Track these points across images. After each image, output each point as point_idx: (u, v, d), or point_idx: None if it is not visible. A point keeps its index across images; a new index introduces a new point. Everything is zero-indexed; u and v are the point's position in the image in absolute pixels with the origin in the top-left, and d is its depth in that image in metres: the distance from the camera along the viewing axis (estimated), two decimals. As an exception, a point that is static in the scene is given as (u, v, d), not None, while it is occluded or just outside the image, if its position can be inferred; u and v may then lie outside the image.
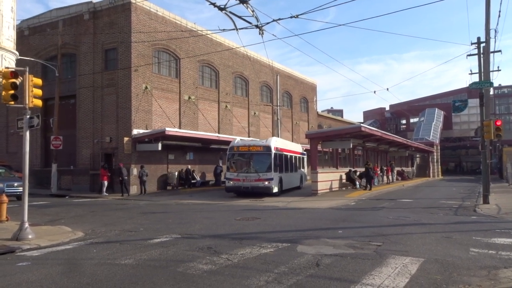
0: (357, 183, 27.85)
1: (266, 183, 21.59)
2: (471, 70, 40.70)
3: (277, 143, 23.49)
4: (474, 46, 20.78)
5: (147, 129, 26.15)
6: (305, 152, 31.37)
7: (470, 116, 72.69)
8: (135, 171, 25.25)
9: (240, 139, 24.71)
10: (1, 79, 10.26)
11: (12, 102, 10.16)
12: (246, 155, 22.40)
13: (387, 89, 30.32)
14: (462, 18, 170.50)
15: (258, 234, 10.50)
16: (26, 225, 10.02)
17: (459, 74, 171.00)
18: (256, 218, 13.69)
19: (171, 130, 25.41)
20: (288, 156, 25.64)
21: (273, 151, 22.06)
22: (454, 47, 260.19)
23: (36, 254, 8.49)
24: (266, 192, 21.70)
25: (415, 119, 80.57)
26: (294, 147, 28.63)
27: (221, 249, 8.54)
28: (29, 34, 30.46)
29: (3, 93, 10.02)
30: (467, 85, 22.29)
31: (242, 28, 14.45)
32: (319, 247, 8.76)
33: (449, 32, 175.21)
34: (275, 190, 22.03)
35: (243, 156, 22.51)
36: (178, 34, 28.60)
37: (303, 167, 30.65)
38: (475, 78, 21.05)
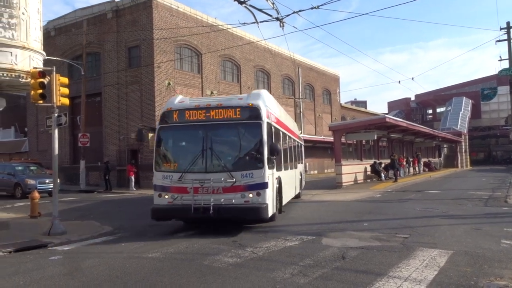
0: (382, 175, 27.46)
1: (251, 195, 9.34)
2: (500, 57, 39.44)
3: (270, 104, 10.95)
4: (503, 31, 20.16)
5: (170, 125, 26.41)
6: (302, 138, 20.36)
7: (500, 104, 70.21)
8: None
9: (188, 98, 11.22)
10: (29, 79, 10.58)
11: (41, 101, 10.45)
12: (202, 131, 9.80)
13: (412, 78, 29.58)
14: (491, 3, 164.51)
15: (282, 227, 10.49)
16: (57, 220, 10.34)
17: (488, 61, 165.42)
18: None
19: (194, 125, 25.48)
20: (287, 136, 14.02)
21: (266, 120, 9.76)
22: (482, 33, 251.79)
23: (67, 248, 8.75)
24: (252, 219, 9.85)
25: (442, 109, 78.56)
26: (292, 125, 17.08)
27: (245, 242, 8.58)
28: (55, 35, 31.28)
29: (32, 92, 10.32)
30: (496, 72, 21.52)
31: (262, 21, 14.38)
32: (344, 239, 8.69)
33: (478, 17, 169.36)
34: (271, 211, 9.82)
35: (194, 132, 10.00)
36: (199, 30, 28.75)
37: (301, 161, 19.41)
38: (505, 64, 20.38)
